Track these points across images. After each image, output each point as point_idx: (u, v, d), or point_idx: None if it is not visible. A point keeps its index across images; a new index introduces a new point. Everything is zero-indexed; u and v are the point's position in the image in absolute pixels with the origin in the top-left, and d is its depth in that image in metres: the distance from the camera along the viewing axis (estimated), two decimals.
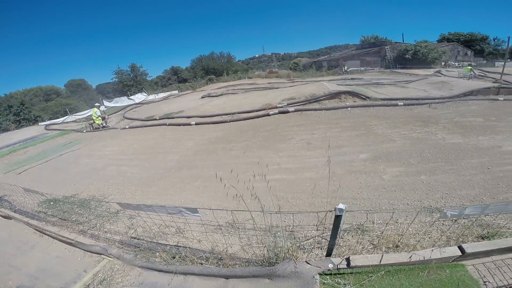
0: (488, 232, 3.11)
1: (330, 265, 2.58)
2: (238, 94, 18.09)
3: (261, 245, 3.06)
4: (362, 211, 4.04)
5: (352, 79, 23.43)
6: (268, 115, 10.35)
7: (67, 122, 21.41)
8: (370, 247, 3.11)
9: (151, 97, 30.48)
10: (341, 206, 2.20)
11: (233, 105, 13.22)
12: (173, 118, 13.05)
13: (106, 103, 27.29)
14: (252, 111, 11.10)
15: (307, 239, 3.38)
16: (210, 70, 45.45)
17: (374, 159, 5.82)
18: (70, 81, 51.84)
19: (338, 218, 2.29)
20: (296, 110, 10.24)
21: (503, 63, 19.16)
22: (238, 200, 3.47)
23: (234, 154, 7.23)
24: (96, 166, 8.27)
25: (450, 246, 2.55)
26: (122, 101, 28.10)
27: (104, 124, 15.14)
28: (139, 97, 30.31)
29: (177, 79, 54.77)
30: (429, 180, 4.83)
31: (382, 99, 10.71)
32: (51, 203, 5.67)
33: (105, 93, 48.83)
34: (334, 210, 2.23)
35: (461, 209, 2.18)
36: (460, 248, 2.50)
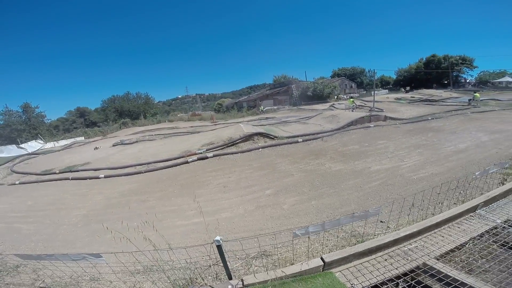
0: (357, 241, 4.13)
1: (229, 286, 3.01)
2: (156, 140, 17.45)
3: (171, 278, 3.36)
4: (267, 239, 4.69)
5: (266, 118, 26.12)
6: (187, 162, 10.48)
7: None
8: (271, 268, 3.66)
9: (50, 145, 26.11)
10: (217, 238, 2.76)
11: (149, 154, 12.81)
12: (78, 171, 11.64)
13: None
14: (170, 159, 11.03)
15: (207, 268, 3.78)
16: (125, 113, 42.38)
17: (277, 193, 6.83)
18: None
19: (219, 248, 2.82)
20: (214, 155, 10.81)
21: (376, 92, 25.62)
22: (150, 246, 3.61)
23: (150, 204, 7.09)
24: None
25: (314, 258, 3.34)
26: (10, 151, 23.19)
27: None
28: (33, 146, 25.57)
29: (84, 122, 48.80)
30: (318, 204, 6.02)
31: (287, 137, 12.61)
32: None
33: None
34: (213, 242, 2.76)
35: (306, 228, 3.03)
36: (322, 258, 3.28)
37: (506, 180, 5.92)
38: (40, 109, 40.47)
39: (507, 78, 46.38)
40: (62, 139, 29.31)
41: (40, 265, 3.80)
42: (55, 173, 11.97)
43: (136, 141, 17.62)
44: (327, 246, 4.21)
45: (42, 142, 27.65)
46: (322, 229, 3.07)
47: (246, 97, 61.23)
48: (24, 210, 8.00)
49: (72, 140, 27.93)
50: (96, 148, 17.92)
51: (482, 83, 48.95)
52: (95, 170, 11.28)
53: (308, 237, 3.62)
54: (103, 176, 10.36)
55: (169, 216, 6.25)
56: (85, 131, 34.33)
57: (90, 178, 10.47)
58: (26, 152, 22.59)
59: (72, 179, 10.66)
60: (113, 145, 17.35)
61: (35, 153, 21.50)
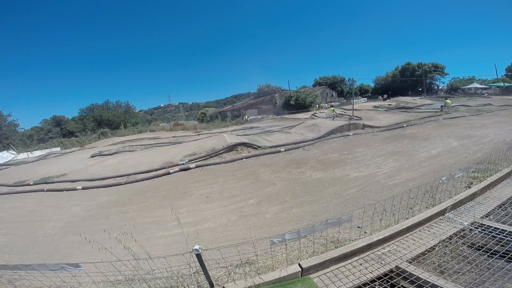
0: (336, 246, 4.26)
1: None
2: (136, 151, 16.94)
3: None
4: (250, 247, 4.72)
5: (251, 128, 26.17)
6: (169, 173, 10.32)
7: None
8: (254, 275, 3.70)
9: (23, 156, 24.71)
10: (196, 247, 2.80)
11: (129, 165, 12.48)
12: (53, 182, 11.16)
13: None
14: (151, 171, 10.81)
15: (188, 276, 3.78)
16: (104, 122, 40.75)
17: (259, 203, 6.91)
18: None
19: (198, 256, 2.85)
20: (197, 166, 10.70)
21: (355, 101, 26.49)
22: (130, 256, 3.60)
23: (130, 216, 6.94)
24: None
25: (293, 264, 3.43)
26: None
27: None
28: (4, 156, 24.11)
29: (60, 131, 46.54)
30: (299, 212, 6.15)
31: (270, 147, 12.76)
32: None
33: None
34: (192, 251, 2.79)
35: (283, 235, 3.14)
36: (299, 264, 3.37)
37: (472, 183, 6.34)
38: (13, 118, 38.41)
39: (475, 85, 49.83)
40: (36, 149, 27.79)
41: (16, 275, 3.69)
42: (28, 184, 11.42)
43: (116, 152, 16.96)
44: (307, 253, 4.31)
45: (14, 152, 26.16)
46: (298, 236, 3.19)
47: (230, 106, 60.95)
48: None
49: (47, 150, 26.54)
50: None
51: (453, 89, 52.11)
52: (72, 181, 10.85)
53: (286, 244, 3.71)
54: (80, 187, 9.99)
55: (150, 227, 6.16)
56: (62, 141, 32.54)
57: (67, 190, 10.05)
58: None
59: (47, 190, 10.19)
60: (92, 156, 16.69)
61: (6, 164, 20.37)
